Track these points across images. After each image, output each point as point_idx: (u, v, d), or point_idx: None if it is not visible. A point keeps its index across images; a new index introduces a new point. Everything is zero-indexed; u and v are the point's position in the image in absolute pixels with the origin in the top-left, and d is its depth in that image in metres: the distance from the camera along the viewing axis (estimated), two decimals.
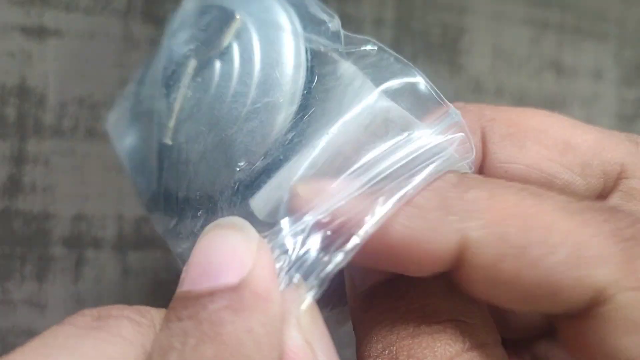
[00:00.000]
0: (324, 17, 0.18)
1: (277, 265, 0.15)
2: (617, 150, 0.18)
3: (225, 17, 0.17)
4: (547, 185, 0.18)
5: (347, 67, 0.17)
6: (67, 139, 0.26)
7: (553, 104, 0.35)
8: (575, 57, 0.35)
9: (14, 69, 0.25)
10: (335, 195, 0.15)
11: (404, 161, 0.15)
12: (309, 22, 0.18)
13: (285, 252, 0.15)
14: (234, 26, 0.17)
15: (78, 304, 0.26)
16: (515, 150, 0.18)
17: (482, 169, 0.18)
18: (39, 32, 0.25)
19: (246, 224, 0.15)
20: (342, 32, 0.17)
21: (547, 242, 0.14)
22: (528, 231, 0.14)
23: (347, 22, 0.30)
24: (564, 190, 0.18)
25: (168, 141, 0.18)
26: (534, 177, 0.18)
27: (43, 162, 0.26)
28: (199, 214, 0.17)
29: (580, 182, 0.18)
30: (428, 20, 0.32)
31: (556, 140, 0.19)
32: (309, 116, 0.16)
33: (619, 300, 0.14)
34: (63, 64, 0.25)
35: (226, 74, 0.17)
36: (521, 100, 0.34)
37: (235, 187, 0.17)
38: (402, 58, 0.17)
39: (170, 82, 0.18)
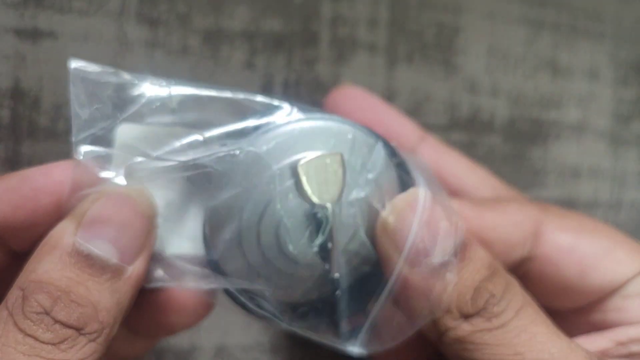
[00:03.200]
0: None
1: None
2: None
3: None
4: None
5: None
6: (62, 142, 0.26)
7: (549, 103, 0.35)
8: (571, 57, 0.35)
9: (7, 71, 0.25)
10: None
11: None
12: None
13: None
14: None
15: None
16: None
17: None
18: (33, 34, 0.25)
19: None
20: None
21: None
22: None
23: (342, 23, 0.30)
24: None
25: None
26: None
27: (38, 164, 0.25)
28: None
29: None
30: (423, 20, 0.32)
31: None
32: None
33: None
34: (57, 66, 0.25)
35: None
36: (517, 100, 0.34)
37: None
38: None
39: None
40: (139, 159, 0.20)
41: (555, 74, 0.35)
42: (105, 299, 0.18)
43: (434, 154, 0.26)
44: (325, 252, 0.20)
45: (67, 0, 0.25)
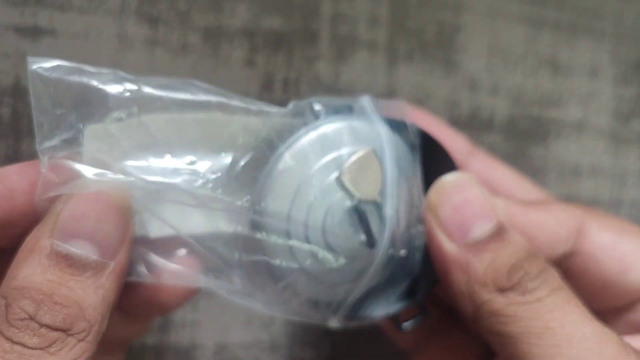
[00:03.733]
0: None
1: None
2: None
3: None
4: None
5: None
6: None
7: (549, 102, 0.35)
8: (571, 55, 0.35)
9: (8, 69, 0.25)
10: None
11: None
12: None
13: None
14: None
15: None
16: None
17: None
18: (33, 32, 0.25)
19: None
20: None
21: None
22: None
23: (342, 21, 0.30)
24: None
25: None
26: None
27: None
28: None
29: None
30: (423, 19, 0.32)
31: None
32: None
33: None
34: None
35: None
36: (517, 98, 0.34)
37: None
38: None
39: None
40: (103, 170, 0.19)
41: (556, 72, 0.35)
42: (90, 296, 0.18)
43: (484, 168, 0.27)
44: (372, 241, 0.21)
45: None
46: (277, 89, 0.29)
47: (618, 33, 0.36)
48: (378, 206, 0.21)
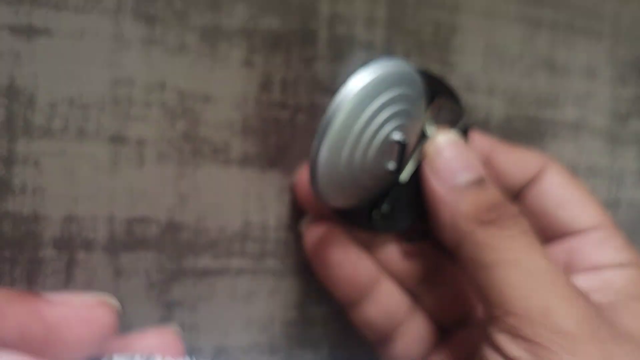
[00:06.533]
0: None
1: None
2: None
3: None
4: None
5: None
6: (57, 140, 0.25)
7: (546, 102, 0.35)
8: (568, 56, 0.35)
9: (2, 69, 0.24)
10: None
11: None
12: None
13: None
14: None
15: None
16: None
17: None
18: (28, 32, 0.25)
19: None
20: None
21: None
22: None
23: (339, 21, 0.30)
24: None
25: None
26: None
27: (33, 163, 0.25)
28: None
29: None
30: (420, 19, 0.31)
31: None
32: None
33: None
34: (52, 63, 0.25)
35: None
36: (514, 99, 0.34)
37: None
38: None
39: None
40: None
41: (553, 73, 0.35)
42: None
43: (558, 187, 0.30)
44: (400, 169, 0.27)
45: None
46: (275, 90, 0.29)
47: (615, 33, 0.37)
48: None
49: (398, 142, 0.25)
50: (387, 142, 0.25)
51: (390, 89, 0.25)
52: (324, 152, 0.24)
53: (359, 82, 0.24)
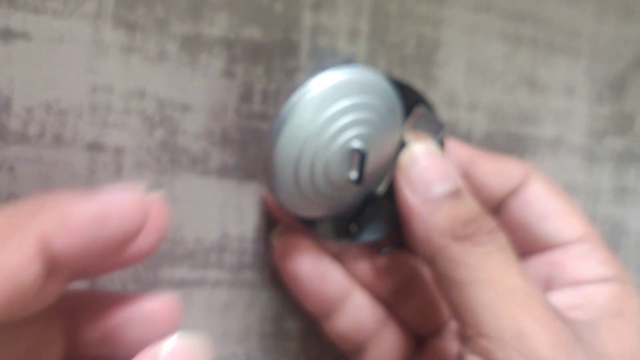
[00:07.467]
0: None
1: None
2: None
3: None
4: None
5: None
6: (33, 146, 0.25)
7: (527, 119, 0.35)
8: (548, 73, 0.36)
9: None
10: None
11: None
12: None
13: None
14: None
15: None
16: None
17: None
18: (5, 35, 0.24)
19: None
20: None
21: None
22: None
23: (322, 33, 0.30)
24: None
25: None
26: None
27: (7, 168, 0.25)
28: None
29: None
30: (403, 33, 0.32)
31: None
32: None
33: None
34: (30, 68, 0.25)
35: None
36: (495, 115, 0.34)
37: None
38: None
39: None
40: None
41: (533, 90, 0.35)
42: None
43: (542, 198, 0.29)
44: (361, 179, 0.26)
45: (42, 1, 0.25)
46: (255, 101, 0.29)
47: (594, 52, 0.37)
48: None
49: (358, 151, 0.25)
50: (347, 150, 0.25)
51: (352, 95, 0.24)
52: (277, 155, 0.23)
53: (316, 84, 0.23)
